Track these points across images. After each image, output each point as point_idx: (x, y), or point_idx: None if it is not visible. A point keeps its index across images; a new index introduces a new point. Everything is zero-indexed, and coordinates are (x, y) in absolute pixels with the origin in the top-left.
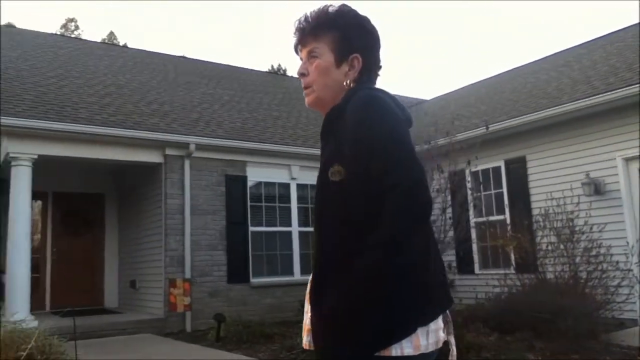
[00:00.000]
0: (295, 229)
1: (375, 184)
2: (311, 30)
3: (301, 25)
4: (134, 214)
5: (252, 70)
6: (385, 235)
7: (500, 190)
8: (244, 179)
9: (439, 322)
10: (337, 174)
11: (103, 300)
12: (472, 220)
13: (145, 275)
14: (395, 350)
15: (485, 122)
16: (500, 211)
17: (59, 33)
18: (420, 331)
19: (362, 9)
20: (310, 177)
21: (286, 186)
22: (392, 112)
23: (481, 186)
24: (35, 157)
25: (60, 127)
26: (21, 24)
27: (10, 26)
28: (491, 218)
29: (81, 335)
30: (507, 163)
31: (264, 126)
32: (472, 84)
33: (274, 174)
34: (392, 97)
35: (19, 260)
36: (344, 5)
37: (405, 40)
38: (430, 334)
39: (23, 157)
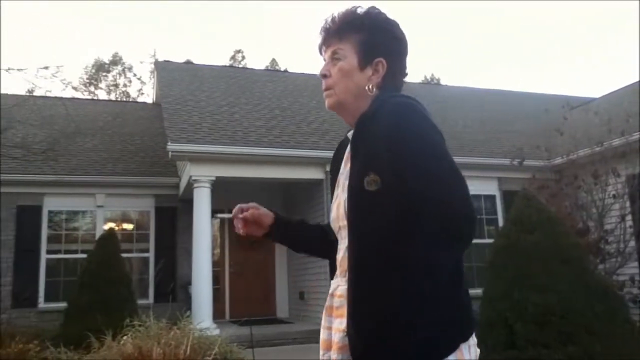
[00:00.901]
0: None
1: (416, 196)
2: (336, 31)
3: (327, 25)
4: None
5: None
6: (422, 257)
7: None
8: None
9: (474, 337)
10: (373, 183)
11: (275, 310)
12: None
13: (313, 287)
14: None
15: None
16: None
17: (228, 64)
18: (464, 346)
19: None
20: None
21: None
22: (431, 121)
23: None
24: (213, 178)
25: (232, 150)
26: (197, 60)
27: (189, 62)
28: None
29: (257, 344)
30: None
31: None
32: None
33: None
34: (424, 106)
35: (202, 273)
36: (372, 8)
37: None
38: (472, 348)
39: (203, 179)
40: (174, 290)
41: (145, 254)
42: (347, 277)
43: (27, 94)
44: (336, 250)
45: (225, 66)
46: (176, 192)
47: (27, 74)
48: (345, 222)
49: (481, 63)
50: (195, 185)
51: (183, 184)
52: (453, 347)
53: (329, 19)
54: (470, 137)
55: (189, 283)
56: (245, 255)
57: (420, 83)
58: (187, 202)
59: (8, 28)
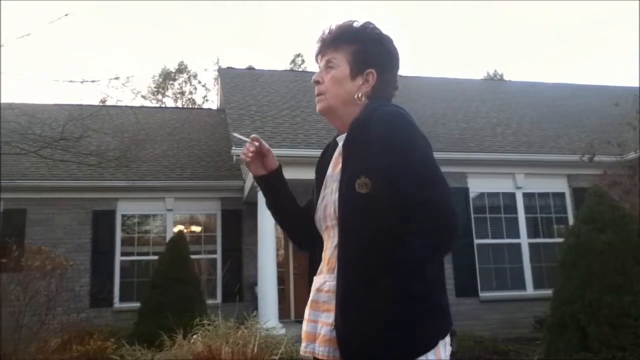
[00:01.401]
0: (524, 240)
1: (405, 198)
2: (332, 41)
3: (324, 36)
4: None
5: (465, 79)
6: (410, 257)
7: None
8: (465, 190)
9: (449, 336)
10: (364, 186)
11: None
12: None
13: None
14: None
15: None
16: None
17: (288, 69)
18: (441, 343)
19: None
20: (537, 185)
21: (511, 196)
22: (419, 130)
23: None
24: None
25: (294, 153)
26: (258, 65)
27: (250, 68)
28: None
29: None
30: None
31: (482, 135)
32: None
33: (496, 184)
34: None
35: (267, 274)
36: (368, 22)
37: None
38: (447, 345)
39: None
40: (240, 291)
41: (213, 256)
42: (335, 274)
43: (100, 104)
44: (309, 242)
45: (285, 70)
46: (241, 195)
47: (100, 85)
48: (333, 222)
49: (545, 56)
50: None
51: (247, 187)
52: (434, 344)
53: (327, 30)
54: (538, 134)
55: (255, 284)
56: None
57: (482, 79)
58: (251, 204)
59: (81, 42)
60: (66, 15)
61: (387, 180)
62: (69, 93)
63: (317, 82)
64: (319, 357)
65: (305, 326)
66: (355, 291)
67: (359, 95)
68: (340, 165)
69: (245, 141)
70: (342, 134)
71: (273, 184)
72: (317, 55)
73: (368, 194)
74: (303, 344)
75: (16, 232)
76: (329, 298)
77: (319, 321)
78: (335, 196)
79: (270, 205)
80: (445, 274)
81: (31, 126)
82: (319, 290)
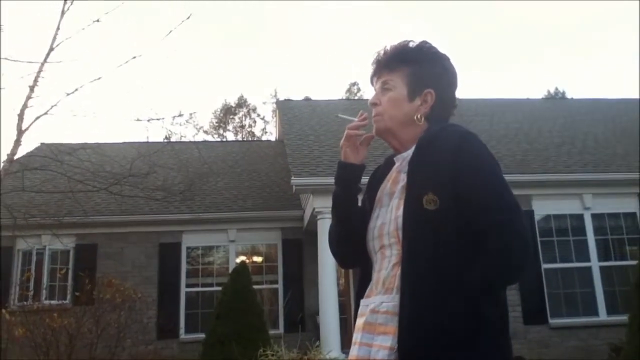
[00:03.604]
0: (595, 263)
1: (480, 218)
2: (387, 63)
3: (379, 57)
4: None
5: (525, 99)
6: (483, 278)
7: None
8: (530, 213)
9: None
10: (432, 202)
11: None
12: None
13: None
14: None
15: None
16: None
17: (344, 97)
18: None
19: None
20: (606, 206)
21: (579, 217)
22: (490, 152)
23: None
24: None
25: None
26: (315, 96)
27: (307, 99)
28: None
29: None
30: None
31: (546, 155)
32: None
33: (563, 206)
34: None
35: (329, 303)
36: (424, 42)
37: None
38: None
39: (325, 210)
40: (302, 320)
41: (274, 285)
42: (393, 295)
43: (165, 140)
44: (355, 260)
45: (341, 99)
46: (301, 224)
47: (165, 122)
48: (392, 240)
49: (607, 71)
50: (319, 217)
51: (307, 217)
52: None
53: (381, 51)
54: (605, 152)
55: (317, 313)
56: None
57: (543, 98)
58: (311, 233)
59: (146, 80)
60: (134, 58)
61: (456, 198)
62: (136, 130)
63: (374, 104)
64: None
65: (356, 350)
66: (424, 310)
67: (419, 117)
68: (401, 183)
69: (352, 120)
70: (398, 154)
71: (355, 180)
72: (372, 77)
73: (436, 211)
74: None
75: (88, 266)
76: (387, 320)
77: (374, 344)
78: (397, 213)
79: (340, 207)
80: (513, 301)
81: (102, 164)
82: (374, 311)
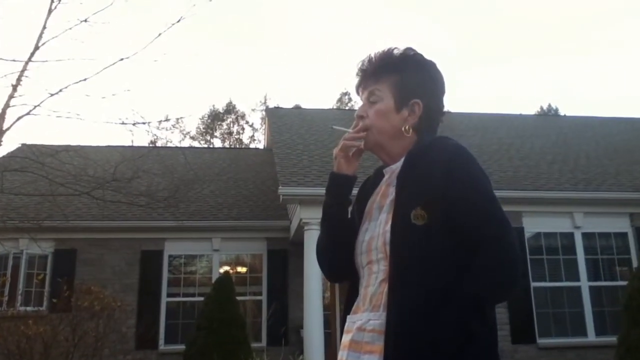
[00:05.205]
0: (584, 283)
1: (470, 233)
2: (373, 73)
3: (364, 67)
4: None
5: (517, 115)
6: (474, 292)
7: None
8: (520, 230)
9: None
10: (420, 217)
11: None
12: None
13: None
14: None
15: None
16: None
17: (335, 107)
18: None
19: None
20: (597, 225)
21: (569, 236)
22: (480, 165)
23: None
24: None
25: None
26: (305, 104)
27: (297, 107)
28: None
29: None
30: None
31: (537, 172)
32: None
33: (554, 224)
34: None
35: (314, 317)
36: (409, 49)
37: None
38: None
39: (313, 221)
40: (286, 334)
41: (258, 297)
42: (380, 312)
43: (151, 145)
44: (343, 274)
45: (332, 109)
46: (287, 235)
47: (151, 126)
48: (379, 256)
49: (600, 89)
50: (306, 227)
51: (294, 227)
52: None
53: (366, 61)
54: (597, 170)
55: (301, 326)
56: None
57: (536, 114)
58: (297, 244)
59: (132, 83)
60: (121, 60)
61: (445, 213)
62: (120, 134)
63: (361, 117)
64: None
65: None
66: (412, 325)
67: (407, 128)
68: (390, 197)
69: (346, 132)
70: (387, 166)
71: (347, 191)
72: (358, 87)
73: (425, 226)
74: None
75: (67, 272)
76: (373, 338)
77: None
78: (385, 227)
79: (331, 218)
80: (501, 319)
81: (85, 167)
82: (360, 329)
